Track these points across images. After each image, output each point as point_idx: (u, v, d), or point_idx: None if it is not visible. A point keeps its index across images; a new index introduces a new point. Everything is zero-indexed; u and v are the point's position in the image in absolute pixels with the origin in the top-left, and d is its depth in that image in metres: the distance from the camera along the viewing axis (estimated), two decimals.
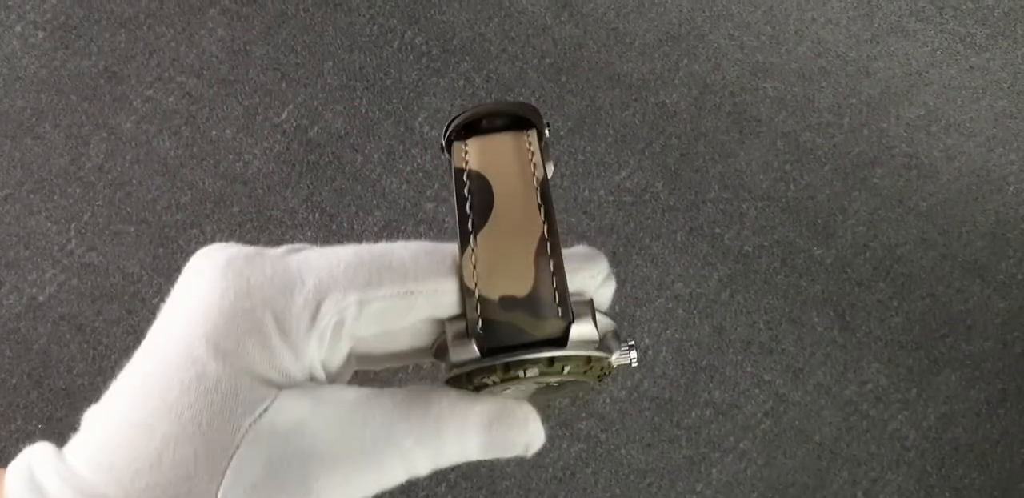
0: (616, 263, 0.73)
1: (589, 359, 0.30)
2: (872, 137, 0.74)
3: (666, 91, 0.75)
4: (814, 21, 0.75)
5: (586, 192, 0.73)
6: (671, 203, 0.73)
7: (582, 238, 0.73)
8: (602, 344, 0.31)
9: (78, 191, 0.75)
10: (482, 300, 0.29)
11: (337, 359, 0.31)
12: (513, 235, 0.30)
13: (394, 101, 0.75)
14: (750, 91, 0.75)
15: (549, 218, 0.30)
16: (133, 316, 0.74)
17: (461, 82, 0.75)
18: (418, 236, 0.75)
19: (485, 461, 0.71)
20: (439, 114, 0.75)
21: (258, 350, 0.29)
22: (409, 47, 0.75)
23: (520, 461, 0.71)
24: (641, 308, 0.72)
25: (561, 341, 0.29)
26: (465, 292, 0.29)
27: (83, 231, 0.76)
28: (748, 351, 0.72)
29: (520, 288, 0.29)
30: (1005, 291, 0.73)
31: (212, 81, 0.75)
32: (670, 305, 0.72)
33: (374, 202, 0.74)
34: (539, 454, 0.71)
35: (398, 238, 0.75)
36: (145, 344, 0.31)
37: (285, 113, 0.75)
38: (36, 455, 0.30)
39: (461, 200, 0.30)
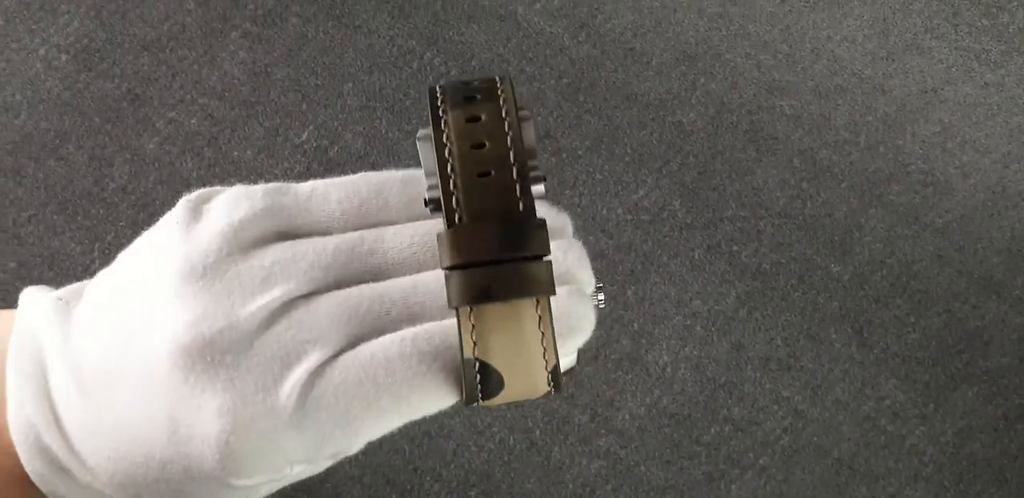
0: (634, 281, 0.73)
1: None
2: (888, 154, 0.75)
3: (683, 110, 0.76)
4: (830, 39, 0.76)
5: (604, 211, 0.74)
6: (688, 221, 0.74)
7: (600, 257, 0.73)
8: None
9: (101, 212, 0.76)
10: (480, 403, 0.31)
11: None
12: (520, 401, 0.31)
13: (413, 121, 0.76)
14: (767, 109, 0.75)
15: (557, 387, 0.30)
16: None
17: None
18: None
19: (504, 479, 0.71)
20: None
21: (276, 473, 0.31)
22: (428, 68, 0.76)
23: (540, 478, 0.72)
24: (659, 325, 0.73)
25: None
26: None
27: (107, 252, 0.77)
28: (766, 368, 0.73)
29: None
30: (1021, 307, 0.74)
31: (234, 103, 0.76)
32: (688, 322, 0.73)
33: None
34: (559, 471, 0.72)
35: None
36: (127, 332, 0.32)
37: (305, 134, 0.76)
38: (41, 426, 0.31)
39: (471, 382, 0.30)
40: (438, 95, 0.31)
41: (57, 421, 0.32)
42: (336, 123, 0.76)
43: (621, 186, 0.74)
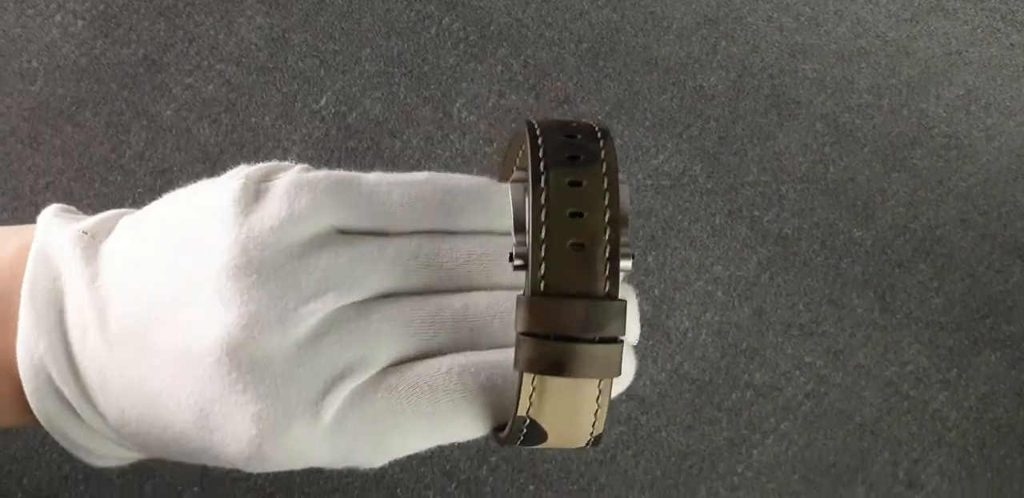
0: (655, 246, 0.73)
1: None
2: (912, 118, 0.74)
3: (704, 74, 0.75)
4: (853, 1, 0.75)
5: (624, 176, 0.73)
6: (709, 186, 0.73)
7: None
8: None
9: (119, 179, 0.76)
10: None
11: None
12: (556, 448, 0.32)
13: (432, 87, 0.75)
14: (789, 73, 0.74)
15: (595, 444, 0.31)
16: None
17: (499, 68, 0.75)
18: None
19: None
20: (477, 99, 0.75)
21: None
22: (447, 33, 0.76)
23: None
24: (680, 291, 0.72)
25: None
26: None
27: None
28: (788, 333, 0.72)
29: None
30: None
31: (251, 69, 0.75)
32: (709, 288, 0.73)
33: None
34: None
35: None
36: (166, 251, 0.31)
37: (324, 100, 0.75)
38: (52, 364, 0.31)
39: (514, 436, 0.31)
40: (539, 144, 0.30)
41: (71, 361, 0.31)
42: (354, 89, 0.75)
43: (641, 151, 0.74)
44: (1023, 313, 0.73)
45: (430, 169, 0.78)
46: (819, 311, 0.72)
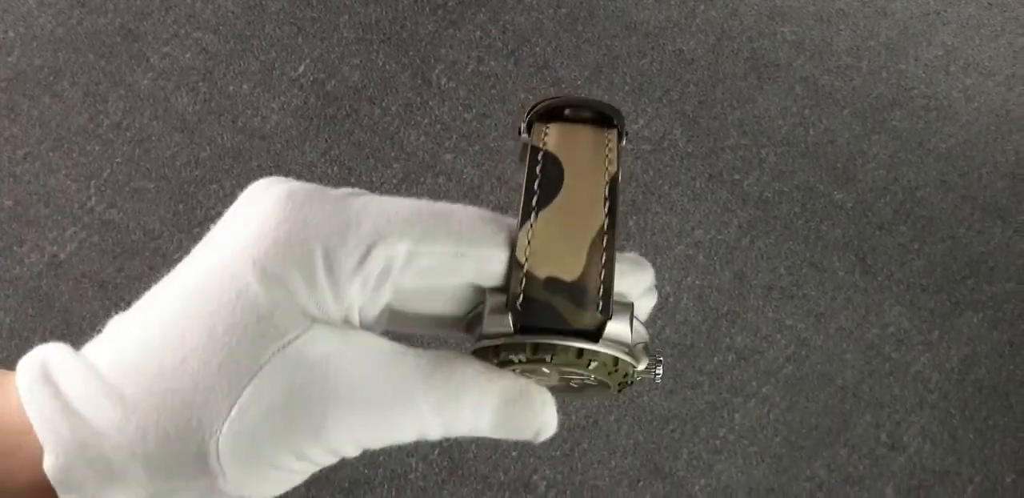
0: (636, 211, 0.73)
1: (616, 360, 0.31)
2: (891, 79, 0.74)
3: (683, 38, 0.75)
4: None
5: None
6: (689, 150, 0.73)
7: None
8: (632, 350, 0.32)
9: (97, 148, 0.76)
10: (528, 276, 0.30)
11: (374, 309, 0.32)
12: (574, 220, 0.30)
13: (410, 54, 0.75)
14: (768, 36, 0.74)
15: (612, 213, 0.30)
16: (155, 272, 0.74)
17: (477, 33, 0.75)
18: (437, 187, 0.74)
19: None
20: (456, 66, 0.75)
21: (302, 280, 0.29)
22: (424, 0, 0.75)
23: None
24: (661, 255, 0.72)
25: (594, 335, 0.30)
26: (514, 264, 0.30)
27: (103, 188, 0.76)
28: (769, 296, 0.72)
29: (568, 272, 0.30)
30: None
31: (228, 37, 0.75)
32: (690, 252, 0.72)
33: (392, 155, 0.74)
34: (563, 403, 0.72)
35: (417, 190, 0.75)
36: (188, 260, 0.31)
37: (302, 67, 0.75)
38: (50, 353, 0.30)
39: (531, 175, 0.30)
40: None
41: (72, 352, 0.31)
42: (332, 56, 0.75)
43: None
44: (1004, 274, 0.73)
45: (409, 135, 0.78)
46: (800, 274, 0.72)
